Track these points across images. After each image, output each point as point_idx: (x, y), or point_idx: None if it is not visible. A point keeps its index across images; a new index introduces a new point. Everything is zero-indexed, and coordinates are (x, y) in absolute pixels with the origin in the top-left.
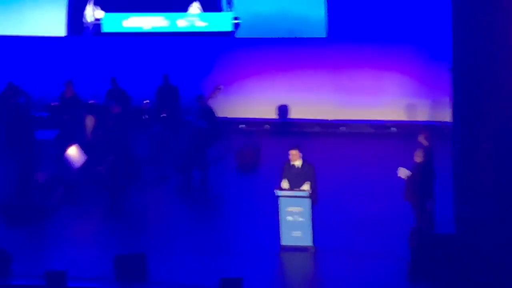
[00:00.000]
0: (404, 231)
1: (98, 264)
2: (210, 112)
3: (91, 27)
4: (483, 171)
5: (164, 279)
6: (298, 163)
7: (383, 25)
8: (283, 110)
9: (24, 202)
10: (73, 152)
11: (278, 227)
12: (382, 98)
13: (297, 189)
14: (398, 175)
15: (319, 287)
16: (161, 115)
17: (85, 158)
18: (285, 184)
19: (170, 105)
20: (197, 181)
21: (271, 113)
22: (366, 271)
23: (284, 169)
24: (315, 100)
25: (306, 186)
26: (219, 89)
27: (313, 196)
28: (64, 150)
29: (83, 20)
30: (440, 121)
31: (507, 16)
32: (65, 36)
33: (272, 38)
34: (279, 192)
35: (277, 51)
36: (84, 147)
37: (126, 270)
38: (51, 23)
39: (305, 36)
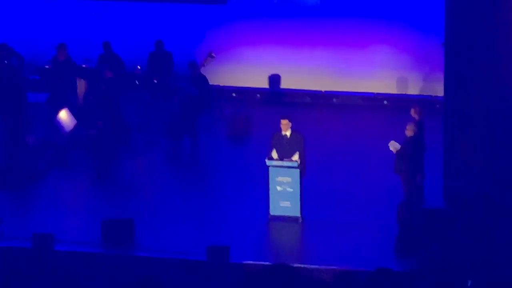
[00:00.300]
0: (393, 204)
1: (86, 229)
2: (202, 79)
3: None
4: (474, 146)
5: (151, 245)
6: (288, 133)
7: None
8: (274, 79)
9: (13, 165)
10: (64, 115)
11: (267, 196)
12: (374, 71)
13: (287, 159)
14: (389, 148)
15: (306, 257)
16: (153, 81)
17: (76, 122)
18: (274, 154)
19: (162, 71)
20: (187, 148)
21: (263, 83)
22: (353, 243)
23: (273, 138)
24: (307, 71)
25: (296, 157)
26: (212, 56)
27: (302, 166)
28: (55, 113)
29: None
30: (432, 96)
31: None
32: None
33: (265, 6)
34: (269, 162)
35: (270, 20)
36: (74, 111)
37: (114, 235)
38: None
39: (299, 4)
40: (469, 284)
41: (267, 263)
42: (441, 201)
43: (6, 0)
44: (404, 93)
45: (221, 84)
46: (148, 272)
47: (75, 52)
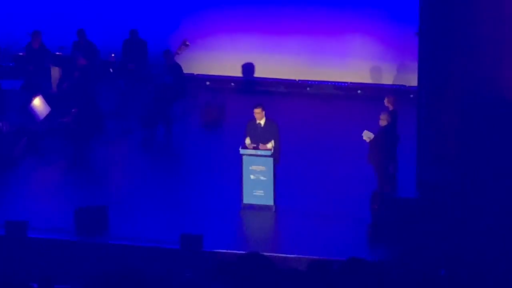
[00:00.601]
0: (366, 194)
1: (59, 216)
2: (176, 67)
3: None
4: (447, 136)
5: (125, 233)
6: (262, 121)
7: None
8: (248, 68)
9: None
10: (38, 103)
11: (241, 185)
12: (348, 60)
13: (262, 146)
14: (363, 138)
15: (280, 246)
16: (127, 69)
17: (49, 109)
18: (248, 142)
19: (136, 59)
20: (161, 136)
21: (237, 71)
22: (327, 232)
23: (247, 127)
24: (281, 60)
25: (269, 145)
26: (186, 45)
27: (276, 155)
28: (29, 100)
29: None
30: (405, 85)
31: None
32: None
33: None
34: (242, 151)
35: (244, 7)
36: (48, 99)
37: (87, 222)
38: None
39: None
40: (442, 274)
41: (240, 252)
42: (413, 190)
43: None
44: (378, 82)
45: (195, 73)
46: (122, 260)
47: (49, 39)
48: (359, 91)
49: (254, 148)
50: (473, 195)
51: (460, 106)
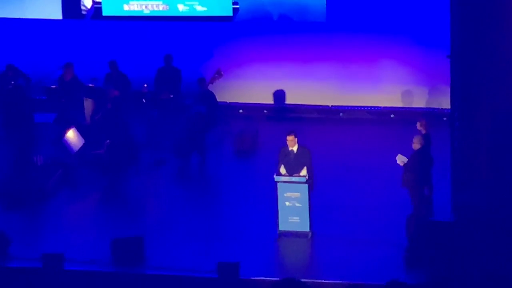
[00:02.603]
0: (401, 217)
1: (95, 247)
2: (210, 96)
3: (89, 11)
4: (481, 159)
5: (161, 263)
6: (295, 148)
7: (382, 12)
8: (280, 95)
9: (22, 185)
10: (71, 135)
11: (276, 212)
12: (380, 85)
13: (296, 174)
14: (396, 162)
15: (316, 273)
16: (160, 98)
17: (83, 141)
18: (282, 169)
19: (170, 88)
20: (195, 166)
21: (270, 99)
22: (363, 257)
23: (280, 154)
24: (313, 86)
25: (304, 172)
26: (220, 74)
27: (310, 181)
28: (63, 133)
29: (81, 3)
30: (438, 108)
31: (506, 1)
32: (65, 19)
33: (271, 22)
34: (277, 178)
35: (277, 36)
36: (82, 131)
37: (123, 253)
38: (48, 6)
39: (304, 20)
40: None
41: (277, 278)
42: (449, 213)
43: (11, 21)
44: (410, 106)
45: (227, 101)
46: None
47: (82, 71)
48: (392, 115)
49: (288, 175)
50: (509, 217)
51: (494, 128)
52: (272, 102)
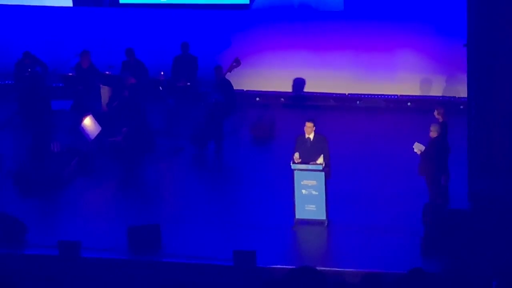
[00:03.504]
0: (418, 206)
1: (112, 235)
2: (226, 84)
3: None
4: (498, 147)
5: (177, 251)
6: (311, 136)
7: (399, 1)
8: (298, 83)
9: (39, 173)
10: (88, 122)
11: (293, 200)
12: (398, 73)
13: (313, 162)
14: (413, 150)
15: (332, 261)
16: (177, 86)
17: (100, 129)
18: (297, 156)
19: (186, 75)
20: (212, 153)
21: (287, 87)
22: (379, 245)
23: (297, 142)
24: (330, 74)
25: (320, 160)
26: (238, 63)
27: (326, 169)
28: (79, 120)
29: None
30: (455, 97)
31: None
32: (82, 7)
33: (288, 10)
34: (294, 166)
35: (293, 23)
36: (99, 118)
37: (140, 241)
38: None
39: (322, 9)
40: (494, 285)
41: (293, 267)
42: (466, 202)
43: (28, 8)
44: (427, 94)
45: (244, 89)
46: (175, 278)
47: (99, 59)
48: (409, 104)
49: (302, 163)
50: None
51: (510, 116)
52: (288, 90)
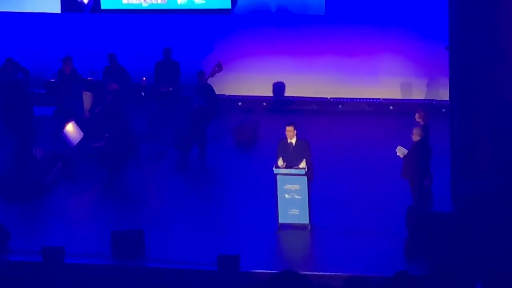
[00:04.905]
0: (402, 208)
1: (95, 241)
2: (209, 89)
3: (88, 4)
4: (480, 149)
5: (161, 256)
6: (293, 140)
7: (381, 5)
8: (279, 87)
9: (22, 178)
10: (71, 128)
11: (275, 204)
12: (379, 77)
13: (295, 167)
14: (396, 153)
15: (316, 264)
16: (159, 91)
17: (83, 135)
18: (281, 163)
19: (169, 81)
20: (195, 158)
21: (269, 91)
22: (363, 248)
23: (279, 146)
24: (312, 78)
25: (303, 164)
26: (220, 67)
27: (309, 173)
28: (62, 126)
29: None
30: (436, 100)
31: None
32: (63, 13)
33: (270, 15)
34: (276, 170)
35: (276, 28)
36: (81, 124)
37: (123, 246)
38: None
39: (304, 13)
40: (478, 287)
41: (277, 271)
42: (449, 204)
43: (10, 15)
44: (409, 98)
45: (226, 94)
46: (159, 283)
47: (81, 64)
48: (391, 107)
49: (286, 168)
50: (508, 208)
51: (493, 118)
52: (271, 94)
